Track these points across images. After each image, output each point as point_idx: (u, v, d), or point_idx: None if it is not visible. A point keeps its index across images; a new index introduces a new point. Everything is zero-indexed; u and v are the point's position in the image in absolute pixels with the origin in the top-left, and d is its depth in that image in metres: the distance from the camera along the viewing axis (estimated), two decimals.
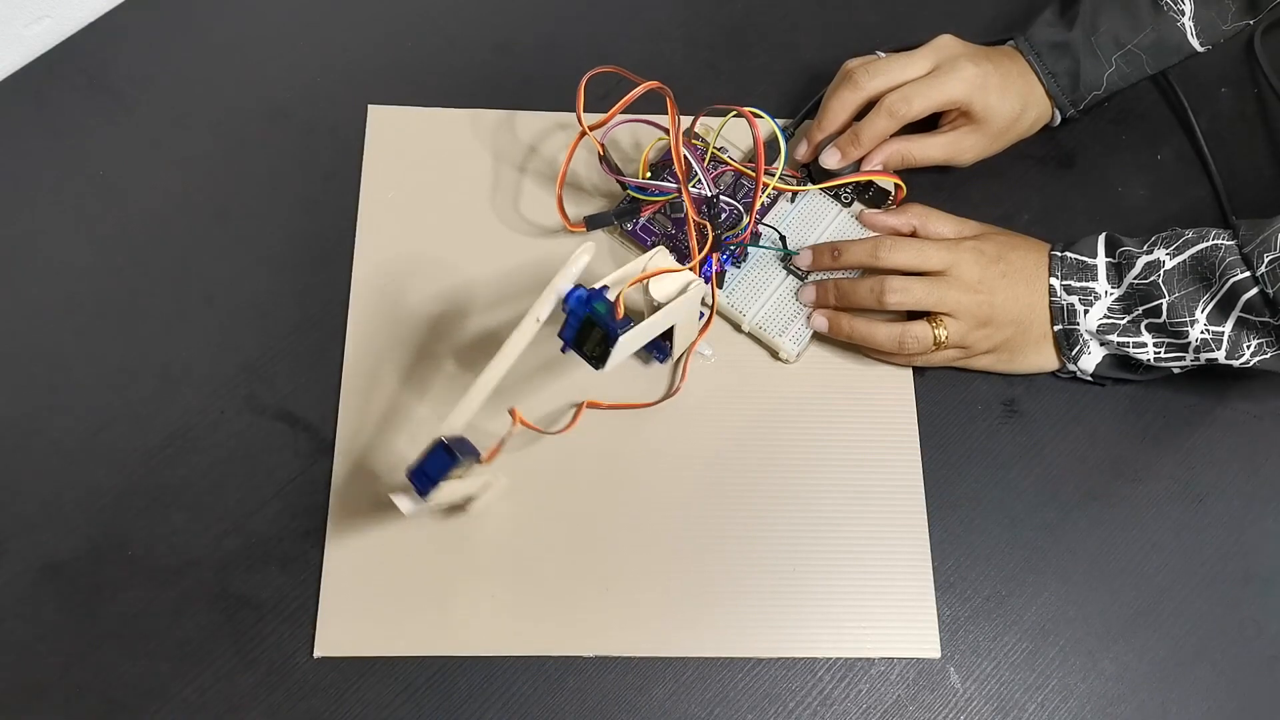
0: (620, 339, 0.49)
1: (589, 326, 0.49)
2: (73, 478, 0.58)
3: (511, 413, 0.51)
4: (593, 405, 0.59)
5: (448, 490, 0.50)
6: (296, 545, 0.57)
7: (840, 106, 0.62)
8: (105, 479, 0.58)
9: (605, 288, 0.51)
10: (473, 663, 0.55)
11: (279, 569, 0.56)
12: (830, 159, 0.63)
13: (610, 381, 0.60)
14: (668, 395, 0.60)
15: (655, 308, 0.53)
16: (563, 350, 0.51)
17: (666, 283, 0.53)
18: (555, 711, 0.54)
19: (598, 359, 0.50)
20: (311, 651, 0.54)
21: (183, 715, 0.53)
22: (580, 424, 0.59)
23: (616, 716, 0.54)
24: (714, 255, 0.60)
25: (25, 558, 0.56)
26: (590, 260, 0.51)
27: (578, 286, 0.50)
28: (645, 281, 0.52)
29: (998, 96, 0.63)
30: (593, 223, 0.63)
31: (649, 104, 0.59)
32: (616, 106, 0.58)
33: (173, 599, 0.55)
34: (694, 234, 0.57)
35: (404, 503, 0.49)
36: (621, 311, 0.50)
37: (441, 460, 0.48)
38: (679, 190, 0.58)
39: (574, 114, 0.59)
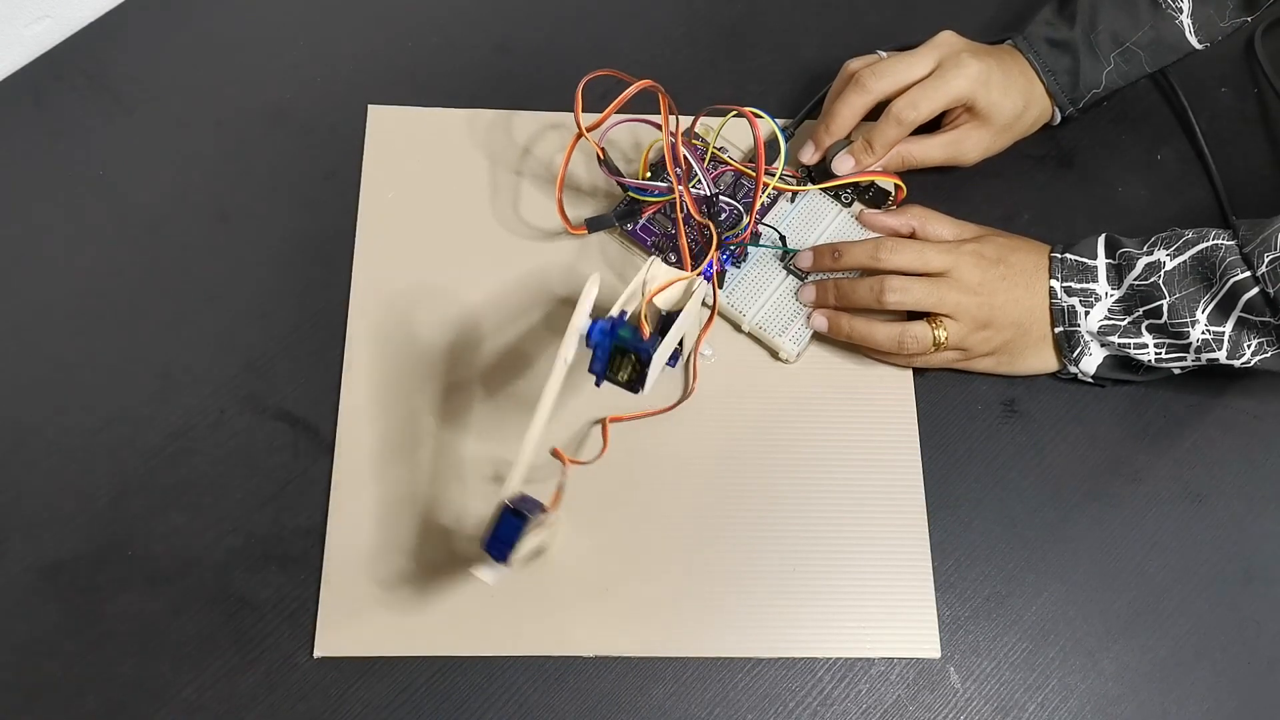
0: (654, 357, 0.48)
1: (619, 355, 0.49)
2: (73, 478, 0.58)
3: (556, 454, 0.52)
4: (615, 420, 0.59)
5: (523, 547, 0.50)
6: (296, 545, 0.57)
7: (849, 111, 0.62)
8: (105, 479, 0.58)
9: (623, 313, 0.50)
10: (473, 663, 0.55)
11: (279, 569, 0.56)
12: (843, 166, 0.63)
13: (619, 392, 0.60)
14: (684, 398, 0.60)
15: (661, 315, 0.53)
16: (597, 384, 0.50)
17: (669, 290, 0.53)
18: (555, 711, 0.54)
19: (636, 383, 0.49)
20: (311, 651, 0.54)
21: (183, 715, 0.53)
22: (578, 425, 0.59)
23: (616, 716, 0.54)
24: (714, 254, 0.60)
25: (25, 558, 0.56)
26: (598, 289, 0.51)
27: (595, 320, 0.49)
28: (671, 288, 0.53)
29: (1000, 92, 0.63)
30: (594, 225, 0.62)
31: (649, 104, 0.59)
32: (610, 107, 0.58)
33: (173, 599, 0.55)
34: (684, 234, 0.57)
35: (488, 574, 0.49)
36: (647, 330, 0.49)
37: (512, 525, 0.48)
38: (676, 189, 0.58)
39: (573, 114, 0.59)
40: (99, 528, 0.57)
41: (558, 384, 0.49)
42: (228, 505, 0.57)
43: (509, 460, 0.58)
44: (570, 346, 0.50)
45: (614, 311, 0.51)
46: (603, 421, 0.59)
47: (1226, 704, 0.56)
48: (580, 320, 0.49)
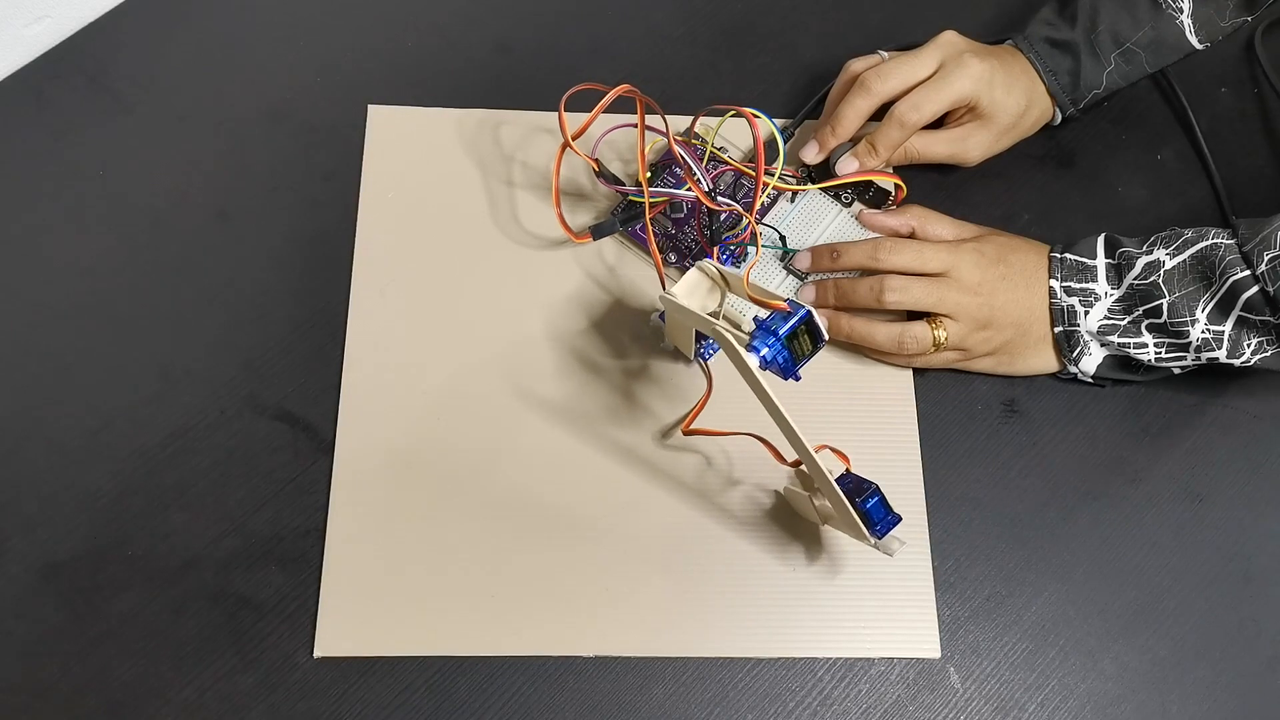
0: (811, 311, 0.50)
1: (792, 342, 0.50)
2: (73, 478, 0.58)
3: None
4: (691, 426, 0.59)
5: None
6: (296, 545, 0.57)
7: (854, 114, 0.62)
8: (105, 479, 0.58)
9: (757, 319, 0.51)
10: (473, 663, 0.55)
11: (279, 569, 0.56)
12: (847, 168, 0.63)
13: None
14: (708, 378, 0.60)
15: (710, 313, 0.54)
16: (796, 379, 0.51)
17: (698, 293, 0.54)
18: (555, 711, 0.54)
19: (819, 340, 0.51)
20: (311, 651, 0.54)
21: (183, 715, 0.53)
22: (577, 425, 0.60)
23: (616, 716, 0.54)
24: (712, 253, 0.60)
25: (25, 558, 0.56)
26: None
27: (751, 346, 0.50)
28: (691, 299, 0.53)
29: (1003, 91, 0.63)
30: (598, 232, 0.62)
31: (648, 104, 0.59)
32: (590, 117, 0.58)
33: (173, 599, 0.55)
34: (652, 237, 0.58)
35: (896, 545, 0.52)
36: (780, 305, 0.50)
37: (875, 504, 0.51)
38: (646, 192, 0.58)
39: (572, 114, 0.59)
40: (99, 528, 0.57)
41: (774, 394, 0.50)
42: (228, 505, 0.57)
43: (509, 458, 0.58)
44: (766, 379, 0.50)
45: (723, 319, 0.52)
46: (687, 432, 0.59)
47: (1226, 704, 0.56)
48: (751, 362, 0.49)
